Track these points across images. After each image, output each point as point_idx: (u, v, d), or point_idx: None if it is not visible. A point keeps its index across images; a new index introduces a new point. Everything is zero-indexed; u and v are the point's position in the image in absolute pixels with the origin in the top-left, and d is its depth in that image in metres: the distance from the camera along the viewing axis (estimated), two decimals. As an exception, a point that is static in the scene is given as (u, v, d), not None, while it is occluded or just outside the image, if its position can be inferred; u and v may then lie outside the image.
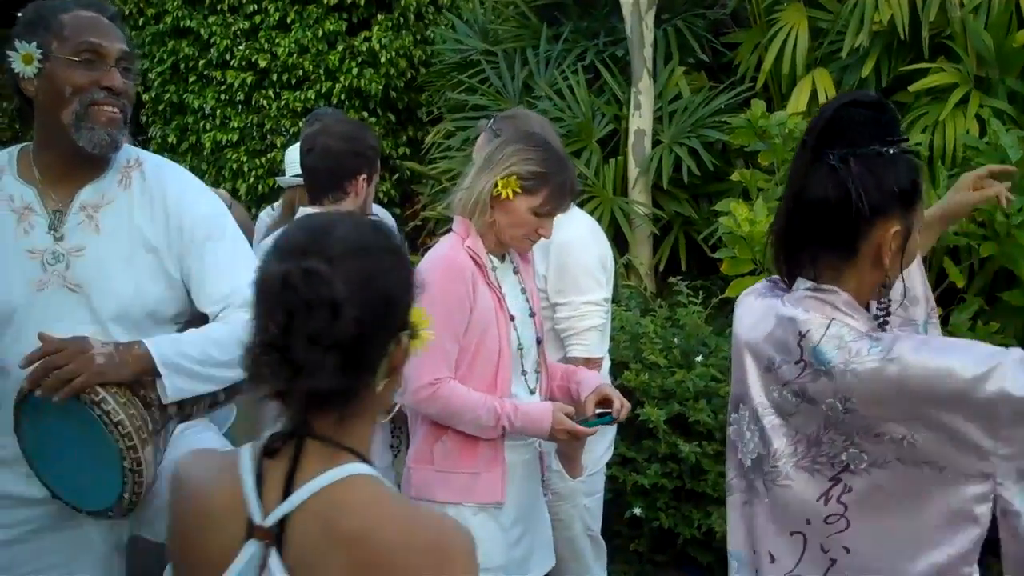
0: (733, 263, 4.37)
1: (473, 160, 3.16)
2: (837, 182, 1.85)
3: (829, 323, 1.85)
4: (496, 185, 2.83)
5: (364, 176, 3.37)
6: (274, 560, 1.48)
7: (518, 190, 2.82)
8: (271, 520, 1.49)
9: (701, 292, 4.78)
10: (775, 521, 1.92)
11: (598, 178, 5.76)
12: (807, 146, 1.90)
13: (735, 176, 4.99)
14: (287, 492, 1.49)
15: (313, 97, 7.67)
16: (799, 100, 5.35)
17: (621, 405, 2.91)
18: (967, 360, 1.74)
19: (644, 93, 5.80)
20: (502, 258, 2.95)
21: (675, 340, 4.44)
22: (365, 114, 7.71)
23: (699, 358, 4.30)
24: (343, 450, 1.52)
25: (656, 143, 5.80)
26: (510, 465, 2.90)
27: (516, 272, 2.98)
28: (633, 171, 5.77)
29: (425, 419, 2.88)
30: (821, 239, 1.91)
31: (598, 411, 2.91)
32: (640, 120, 5.80)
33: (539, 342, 2.98)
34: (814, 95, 5.34)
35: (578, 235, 3.37)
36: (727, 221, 4.34)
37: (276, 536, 1.48)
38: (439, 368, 2.76)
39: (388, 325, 1.52)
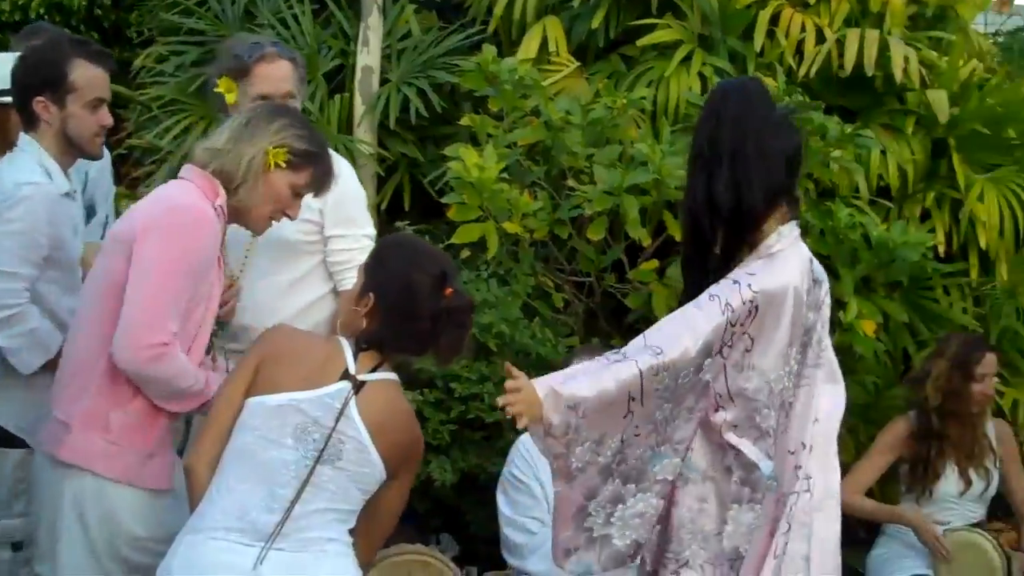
0: (461, 209, 4.30)
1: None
2: None
3: None
4: (266, 155, 2.66)
5: (42, 99, 3.07)
6: (352, 400, 2.47)
7: (283, 164, 2.66)
8: (360, 376, 2.50)
9: (427, 236, 4.70)
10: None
11: (323, 114, 5.57)
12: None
13: (464, 120, 4.92)
14: (372, 371, 2.53)
15: (9, 9, 6.99)
16: (529, 47, 5.31)
17: None
18: None
19: (373, 29, 5.63)
20: None
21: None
22: (67, 31, 7.12)
23: (423, 304, 4.22)
24: (393, 367, 2.60)
25: (384, 81, 5.65)
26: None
27: None
28: (359, 109, 5.60)
29: (115, 378, 2.57)
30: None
31: None
32: (368, 57, 5.63)
33: None
34: (544, 43, 5.33)
35: (346, 169, 3.28)
36: (456, 166, 4.26)
37: (359, 387, 2.49)
38: (172, 324, 2.54)
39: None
